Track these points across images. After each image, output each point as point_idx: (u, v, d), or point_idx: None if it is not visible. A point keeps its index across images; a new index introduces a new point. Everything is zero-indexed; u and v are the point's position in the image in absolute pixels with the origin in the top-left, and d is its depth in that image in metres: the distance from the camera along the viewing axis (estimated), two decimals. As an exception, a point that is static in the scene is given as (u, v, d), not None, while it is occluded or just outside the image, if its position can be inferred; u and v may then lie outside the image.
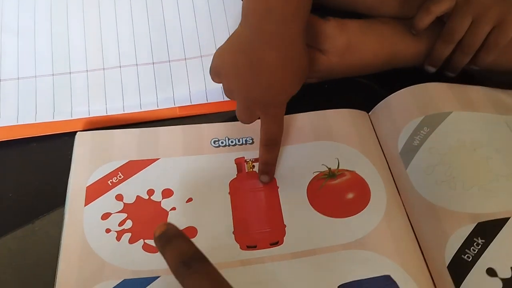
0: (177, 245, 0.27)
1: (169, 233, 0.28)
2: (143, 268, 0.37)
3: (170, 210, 0.40)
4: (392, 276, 0.36)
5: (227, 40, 0.40)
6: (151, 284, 0.36)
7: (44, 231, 0.40)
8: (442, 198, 0.39)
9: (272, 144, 0.41)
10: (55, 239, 0.38)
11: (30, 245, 0.39)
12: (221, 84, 0.42)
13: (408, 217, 0.40)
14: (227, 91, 0.42)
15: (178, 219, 0.39)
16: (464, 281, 0.36)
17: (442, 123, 0.44)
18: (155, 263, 0.37)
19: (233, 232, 0.39)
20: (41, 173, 0.43)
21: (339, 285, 0.36)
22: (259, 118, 0.41)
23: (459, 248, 0.37)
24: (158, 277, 0.36)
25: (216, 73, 0.42)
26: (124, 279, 0.36)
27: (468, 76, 0.50)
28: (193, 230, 0.39)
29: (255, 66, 0.36)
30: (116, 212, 0.40)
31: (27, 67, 0.48)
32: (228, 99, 0.46)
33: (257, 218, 0.40)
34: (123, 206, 0.40)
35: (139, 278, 0.36)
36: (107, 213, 0.40)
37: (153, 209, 0.40)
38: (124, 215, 0.40)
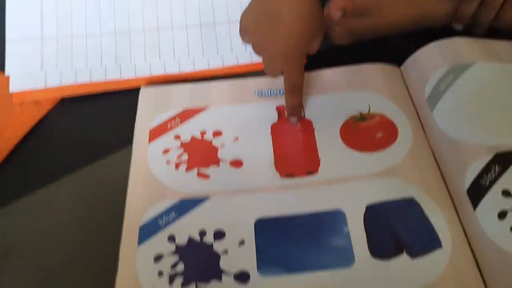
0: None
1: None
2: (196, 190, 0.43)
3: (220, 147, 0.46)
4: (416, 199, 0.41)
5: (250, 2, 0.46)
6: (202, 203, 0.42)
7: (114, 166, 0.47)
8: (464, 133, 0.43)
9: (294, 89, 0.46)
10: (123, 172, 0.45)
11: (102, 178, 0.46)
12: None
13: (432, 152, 0.44)
14: (254, 48, 0.47)
15: (226, 153, 0.46)
16: (481, 201, 0.39)
17: (466, 71, 0.48)
18: (206, 186, 0.43)
19: (273, 164, 0.45)
20: (111, 121, 0.51)
21: (367, 205, 0.41)
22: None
23: (478, 174, 0.41)
24: (208, 197, 0.42)
25: (244, 33, 0.48)
26: (181, 198, 0.43)
27: (495, 35, 0.53)
28: (239, 162, 0.45)
29: (274, 21, 0.43)
30: (175, 148, 0.46)
31: (93, 25, 0.55)
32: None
33: (295, 153, 0.45)
34: (180, 144, 0.47)
35: (193, 199, 0.43)
36: (167, 149, 0.46)
37: (205, 146, 0.46)
38: (181, 150, 0.46)
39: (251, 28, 0.46)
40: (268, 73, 0.47)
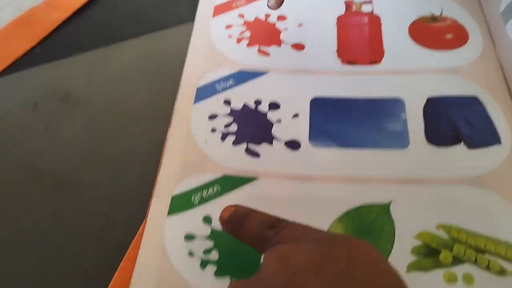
0: (256, 216, 0.27)
1: (242, 211, 0.28)
2: (255, 64, 0.43)
3: (283, 30, 0.46)
4: (480, 98, 0.40)
5: None
6: (260, 76, 0.42)
7: (175, 37, 0.47)
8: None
9: None
10: (184, 44, 0.45)
11: (163, 46, 0.47)
12: None
13: (500, 62, 0.43)
14: None
15: (289, 36, 0.45)
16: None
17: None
18: (265, 62, 0.43)
19: (336, 51, 0.44)
20: None
21: (429, 97, 0.40)
22: None
23: (549, 81, 0.39)
24: (267, 72, 0.42)
25: None
26: (240, 69, 0.43)
27: None
28: (301, 46, 0.44)
29: None
30: (238, 25, 0.46)
31: None
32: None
33: (359, 43, 0.45)
34: (243, 22, 0.47)
35: (252, 71, 0.42)
36: (230, 24, 0.46)
37: (269, 27, 0.46)
38: (244, 28, 0.46)
39: None
40: None
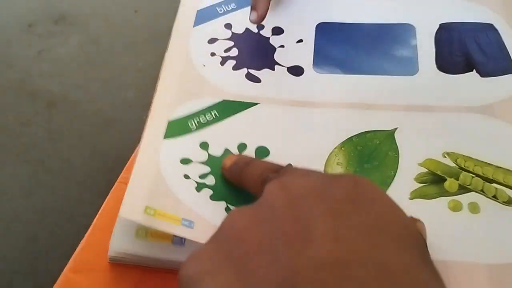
0: (258, 163, 0.27)
1: (244, 159, 0.28)
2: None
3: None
4: (496, 26, 0.37)
5: None
6: None
7: None
8: None
9: None
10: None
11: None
12: None
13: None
14: None
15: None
16: None
17: None
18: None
19: None
20: None
21: (442, 23, 0.38)
22: None
23: None
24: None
25: None
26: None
27: None
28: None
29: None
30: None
31: None
32: None
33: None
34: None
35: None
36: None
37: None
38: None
39: None
40: None
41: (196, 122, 0.33)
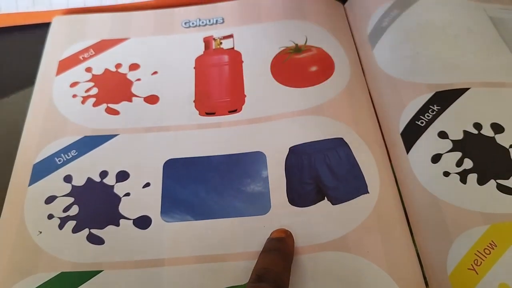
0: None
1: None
2: (102, 127, 0.38)
3: (135, 80, 0.41)
4: (345, 139, 0.37)
5: None
6: (108, 141, 0.37)
7: (15, 104, 0.42)
8: (402, 71, 0.39)
9: None
10: (25, 112, 0.40)
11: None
12: None
13: (369, 92, 0.40)
14: None
15: (142, 89, 0.40)
16: (415, 144, 0.35)
17: (412, 6, 0.43)
18: (114, 123, 0.38)
19: (193, 101, 0.40)
20: (19, 57, 0.45)
21: (290, 147, 0.36)
22: None
23: (414, 115, 0.37)
24: (116, 135, 0.38)
25: None
26: (85, 135, 0.38)
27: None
28: (155, 98, 0.40)
29: None
30: (84, 81, 0.41)
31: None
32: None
33: (219, 90, 0.40)
34: (91, 76, 0.41)
35: (98, 136, 0.38)
36: (75, 82, 0.41)
37: (119, 79, 0.41)
38: (91, 84, 0.41)
39: None
40: None
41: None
